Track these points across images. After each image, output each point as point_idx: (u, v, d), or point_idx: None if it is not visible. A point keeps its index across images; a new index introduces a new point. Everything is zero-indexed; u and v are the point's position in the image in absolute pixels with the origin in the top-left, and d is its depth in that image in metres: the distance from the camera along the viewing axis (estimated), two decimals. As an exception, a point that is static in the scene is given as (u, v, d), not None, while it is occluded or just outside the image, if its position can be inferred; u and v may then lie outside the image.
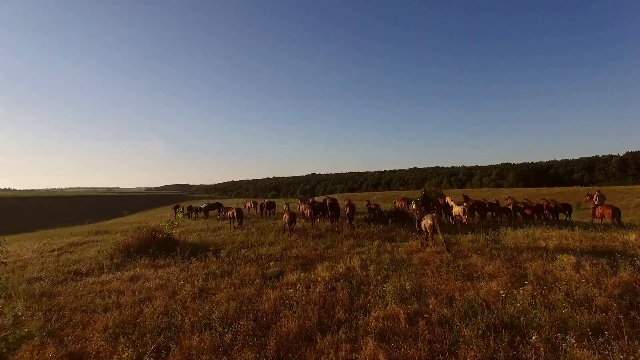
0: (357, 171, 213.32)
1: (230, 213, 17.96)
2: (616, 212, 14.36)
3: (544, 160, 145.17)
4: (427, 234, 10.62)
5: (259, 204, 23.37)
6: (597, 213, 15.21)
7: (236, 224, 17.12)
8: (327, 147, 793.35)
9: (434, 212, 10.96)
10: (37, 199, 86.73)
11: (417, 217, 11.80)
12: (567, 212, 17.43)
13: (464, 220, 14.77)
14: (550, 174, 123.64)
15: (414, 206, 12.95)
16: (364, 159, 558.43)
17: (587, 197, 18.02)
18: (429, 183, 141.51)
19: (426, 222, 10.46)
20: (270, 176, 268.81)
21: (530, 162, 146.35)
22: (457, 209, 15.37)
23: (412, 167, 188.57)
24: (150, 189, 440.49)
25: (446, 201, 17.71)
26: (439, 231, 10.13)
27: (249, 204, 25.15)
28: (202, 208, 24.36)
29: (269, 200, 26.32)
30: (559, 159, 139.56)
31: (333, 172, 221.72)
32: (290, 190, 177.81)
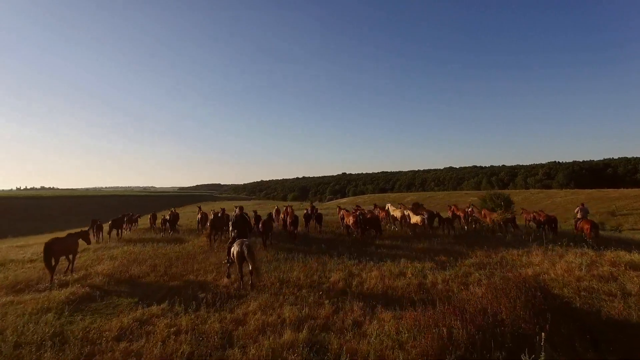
0: (389, 171, 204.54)
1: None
2: (594, 228, 13.89)
3: (596, 159, 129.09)
4: (235, 263, 8.90)
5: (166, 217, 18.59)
6: (577, 226, 14.88)
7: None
8: (359, 146, 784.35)
9: (247, 238, 9.26)
10: (51, 198, 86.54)
11: (227, 245, 9.90)
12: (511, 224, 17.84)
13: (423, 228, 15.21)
14: (607, 173, 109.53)
15: (230, 228, 10.23)
16: (397, 158, 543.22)
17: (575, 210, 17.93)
18: (466, 183, 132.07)
19: (234, 249, 8.79)
20: (300, 176, 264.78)
21: (581, 160, 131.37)
22: (415, 219, 15.54)
23: (448, 166, 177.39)
24: (183, 188, 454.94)
25: (387, 208, 17.52)
26: (248, 260, 8.51)
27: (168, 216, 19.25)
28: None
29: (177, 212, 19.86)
30: (616, 157, 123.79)
31: (364, 172, 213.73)
32: (320, 191, 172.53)
